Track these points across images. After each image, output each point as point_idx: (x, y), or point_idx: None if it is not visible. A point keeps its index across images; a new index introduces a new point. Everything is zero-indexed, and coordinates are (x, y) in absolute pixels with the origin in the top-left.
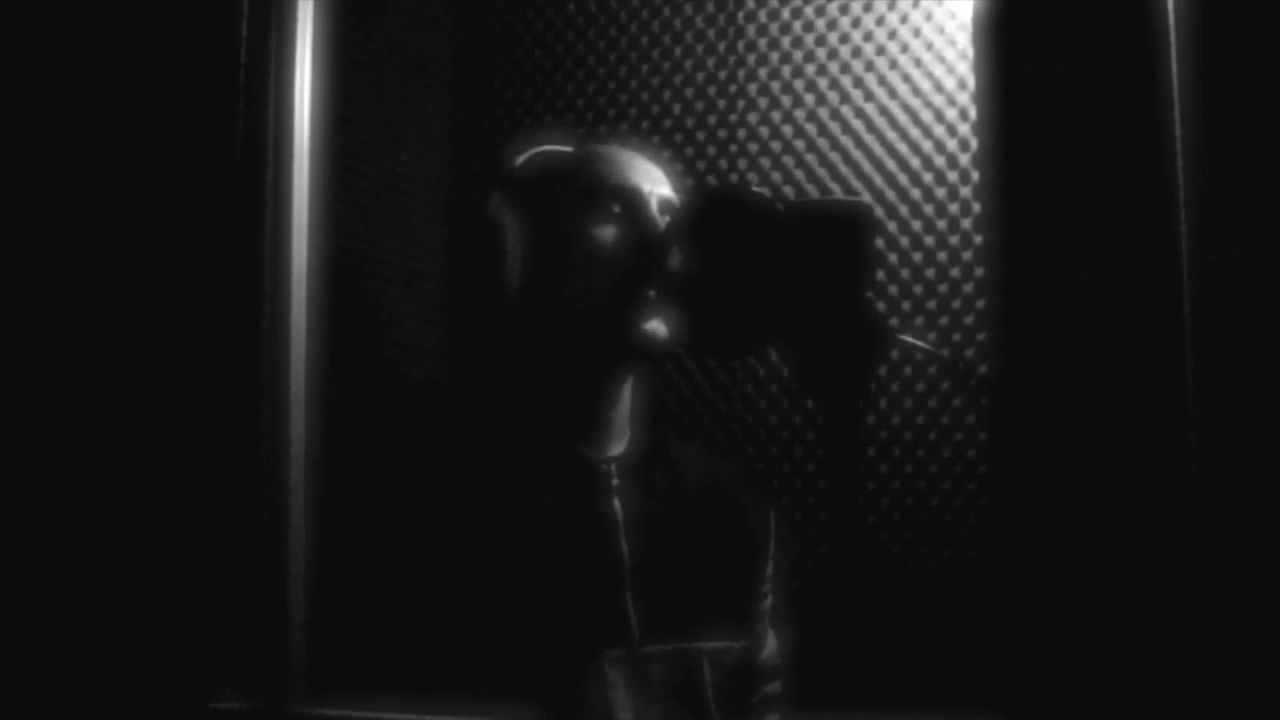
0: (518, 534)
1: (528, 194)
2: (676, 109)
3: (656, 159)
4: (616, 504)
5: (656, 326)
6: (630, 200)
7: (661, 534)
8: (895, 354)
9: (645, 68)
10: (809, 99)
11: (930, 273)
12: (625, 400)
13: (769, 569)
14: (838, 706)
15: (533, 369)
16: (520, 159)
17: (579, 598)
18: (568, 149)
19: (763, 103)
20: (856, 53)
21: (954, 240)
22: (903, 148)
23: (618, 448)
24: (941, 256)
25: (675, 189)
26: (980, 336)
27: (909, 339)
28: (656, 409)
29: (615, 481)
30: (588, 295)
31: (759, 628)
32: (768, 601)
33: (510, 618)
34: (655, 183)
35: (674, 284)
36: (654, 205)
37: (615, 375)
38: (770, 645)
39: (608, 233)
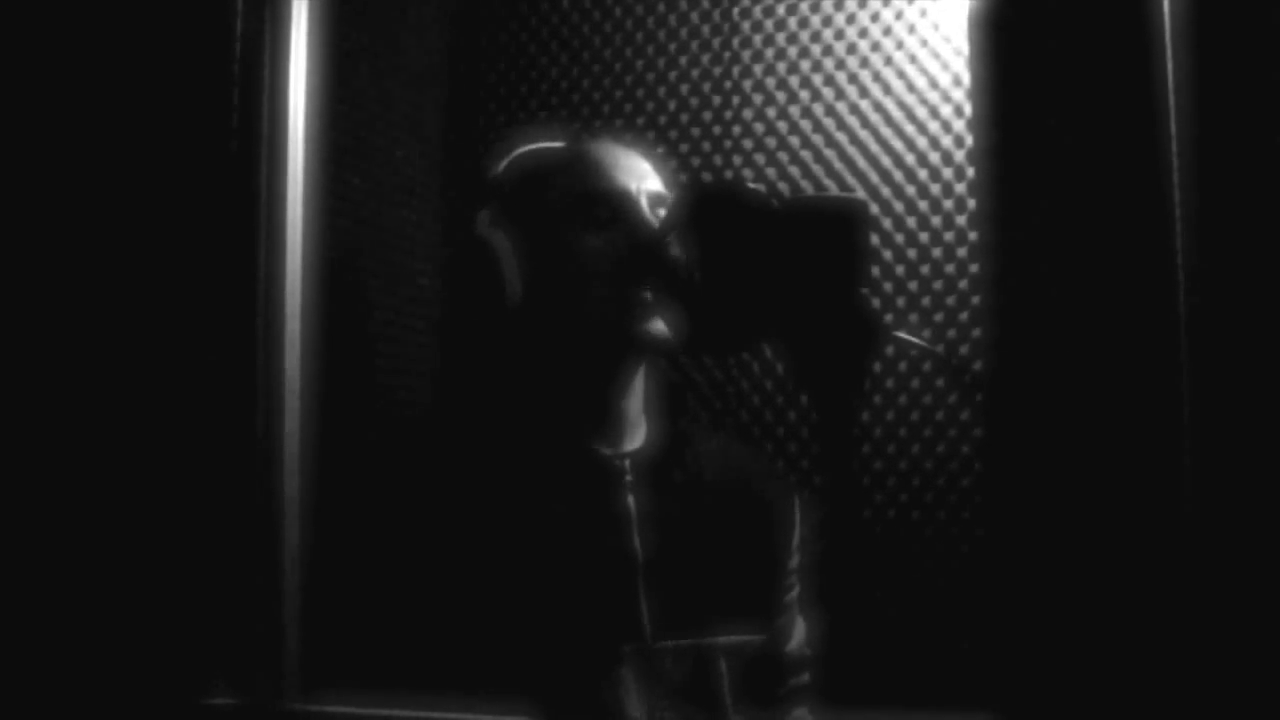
0: (526, 531)
1: (514, 205)
2: (672, 105)
3: (645, 153)
4: (630, 500)
5: (657, 326)
6: (620, 203)
7: (676, 529)
8: (890, 350)
9: (640, 63)
10: (804, 95)
11: (925, 269)
12: (637, 396)
13: (794, 560)
14: (833, 704)
15: (540, 370)
16: (502, 165)
17: (591, 594)
18: (552, 145)
19: (758, 99)
20: (852, 49)
21: (949, 237)
22: (898, 144)
23: (632, 443)
24: (936, 253)
25: (665, 183)
26: (975, 333)
27: (904, 335)
28: (675, 403)
29: (629, 477)
30: (587, 300)
31: (782, 620)
32: (794, 593)
33: (516, 614)
34: (643, 180)
35: (671, 282)
36: (644, 204)
37: (622, 372)
38: (798, 637)
39: (600, 238)
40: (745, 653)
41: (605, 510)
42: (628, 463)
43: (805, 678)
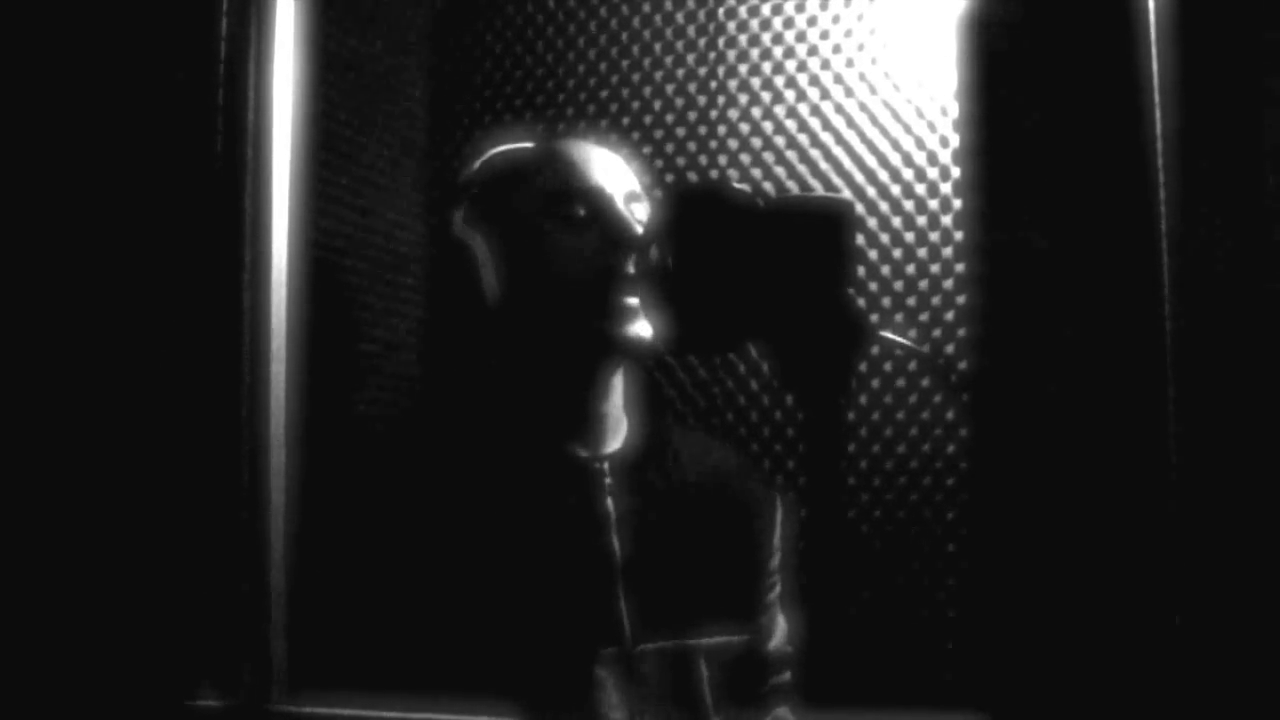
0: (508, 533)
1: (489, 205)
2: (656, 105)
3: (620, 152)
4: (609, 502)
5: (640, 328)
6: (595, 201)
7: (655, 531)
8: (876, 350)
9: (625, 63)
10: (789, 95)
11: (910, 269)
12: (616, 397)
13: (775, 559)
14: (819, 704)
15: (519, 371)
16: (476, 165)
17: (570, 597)
18: (525, 146)
19: (743, 99)
20: (837, 49)
21: (934, 237)
22: (883, 144)
23: (611, 445)
24: (922, 253)
25: (641, 182)
26: (960, 333)
27: (890, 335)
28: (655, 402)
29: (608, 480)
30: (566, 298)
31: (764, 619)
32: (775, 591)
33: (498, 617)
34: (619, 178)
35: (654, 282)
36: (620, 202)
37: (601, 374)
38: (779, 635)
39: (577, 237)
40: (727, 654)
41: (584, 513)
42: (606, 465)
43: (786, 676)
